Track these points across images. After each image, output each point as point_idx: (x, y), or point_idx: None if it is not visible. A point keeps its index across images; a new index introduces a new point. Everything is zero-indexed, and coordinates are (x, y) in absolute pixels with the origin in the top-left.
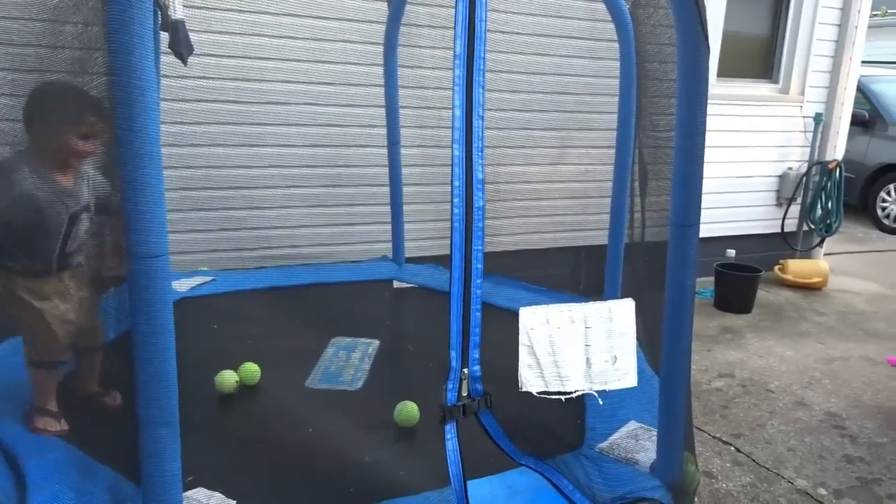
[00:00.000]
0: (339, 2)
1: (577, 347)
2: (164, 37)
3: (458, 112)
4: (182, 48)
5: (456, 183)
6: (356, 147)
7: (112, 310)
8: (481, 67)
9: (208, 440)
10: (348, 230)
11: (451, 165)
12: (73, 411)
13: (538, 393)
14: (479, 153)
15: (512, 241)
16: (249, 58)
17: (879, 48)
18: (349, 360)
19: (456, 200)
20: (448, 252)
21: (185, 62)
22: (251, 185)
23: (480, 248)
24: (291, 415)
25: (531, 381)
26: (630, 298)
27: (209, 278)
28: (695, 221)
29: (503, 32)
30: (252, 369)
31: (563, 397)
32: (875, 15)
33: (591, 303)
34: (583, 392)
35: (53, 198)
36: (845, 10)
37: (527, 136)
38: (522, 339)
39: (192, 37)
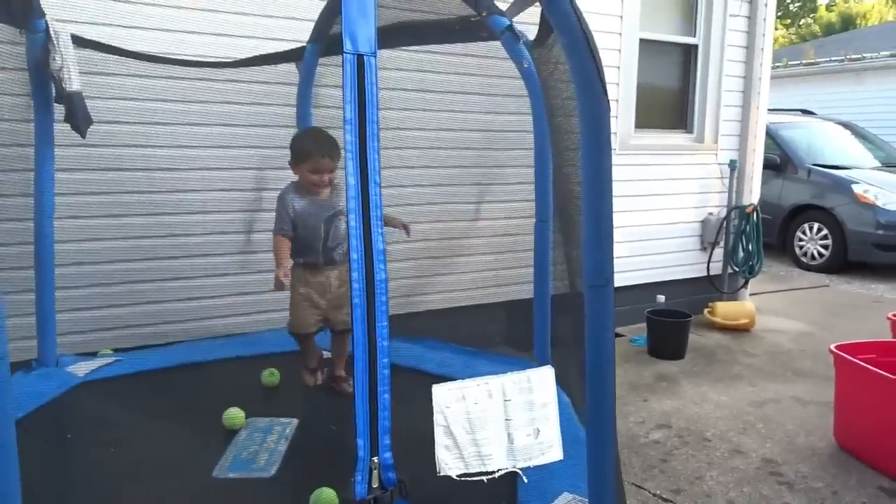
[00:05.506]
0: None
1: (498, 423)
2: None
3: (352, 181)
4: (79, 121)
5: (354, 256)
6: (266, 212)
7: None
8: (375, 132)
9: None
10: (263, 298)
11: (348, 237)
12: None
13: (458, 476)
14: (378, 222)
15: (437, 300)
16: (157, 124)
17: (785, 97)
18: (264, 444)
19: (355, 275)
20: None
21: (83, 135)
22: (155, 255)
23: (385, 324)
24: None
25: (450, 463)
26: (549, 366)
27: (111, 360)
28: (608, 280)
29: (407, 90)
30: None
31: (485, 478)
32: (777, 66)
33: (509, 374)
34: (506, 471)
35: (314, 208)
36: (748, 63)
37: (445, 192)
38: (438, 419)
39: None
